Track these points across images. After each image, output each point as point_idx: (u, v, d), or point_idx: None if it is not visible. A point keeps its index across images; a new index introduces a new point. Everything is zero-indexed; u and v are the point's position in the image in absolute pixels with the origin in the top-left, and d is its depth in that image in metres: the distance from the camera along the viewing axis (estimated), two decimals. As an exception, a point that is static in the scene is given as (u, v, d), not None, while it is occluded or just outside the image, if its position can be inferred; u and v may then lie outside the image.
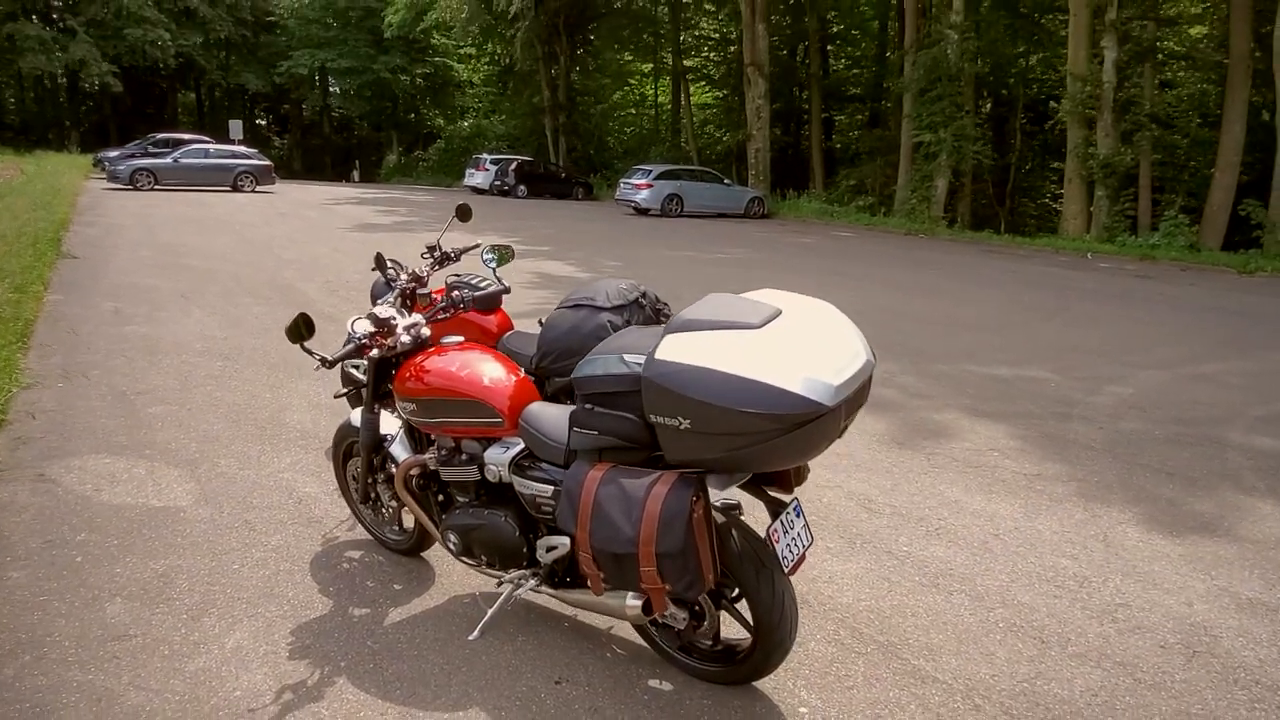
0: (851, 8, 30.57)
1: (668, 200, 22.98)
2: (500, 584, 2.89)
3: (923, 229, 20.60)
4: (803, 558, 2.44)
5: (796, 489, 2.51)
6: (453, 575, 3.31)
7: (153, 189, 23.82)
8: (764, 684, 2.67)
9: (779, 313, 2.14)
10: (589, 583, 2.37)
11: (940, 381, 6.64)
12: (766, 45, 26.21)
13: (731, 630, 2.74)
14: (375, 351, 2.88)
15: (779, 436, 1.96)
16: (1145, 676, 2.82)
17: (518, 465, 2.68)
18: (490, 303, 3.92)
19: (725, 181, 24.86)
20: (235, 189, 25.32)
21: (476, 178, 28.88)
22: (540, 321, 3.53)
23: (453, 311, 3.10)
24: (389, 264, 3.63)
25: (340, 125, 50.37)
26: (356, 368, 3.28)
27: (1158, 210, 19.07)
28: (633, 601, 2.46)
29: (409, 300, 3.46)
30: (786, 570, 2.35)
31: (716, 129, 35.38)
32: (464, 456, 2.80)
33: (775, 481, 2.49)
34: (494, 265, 3.36)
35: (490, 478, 2.74)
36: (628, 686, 2.66)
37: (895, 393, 6.24)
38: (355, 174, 40.59)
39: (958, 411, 5.84)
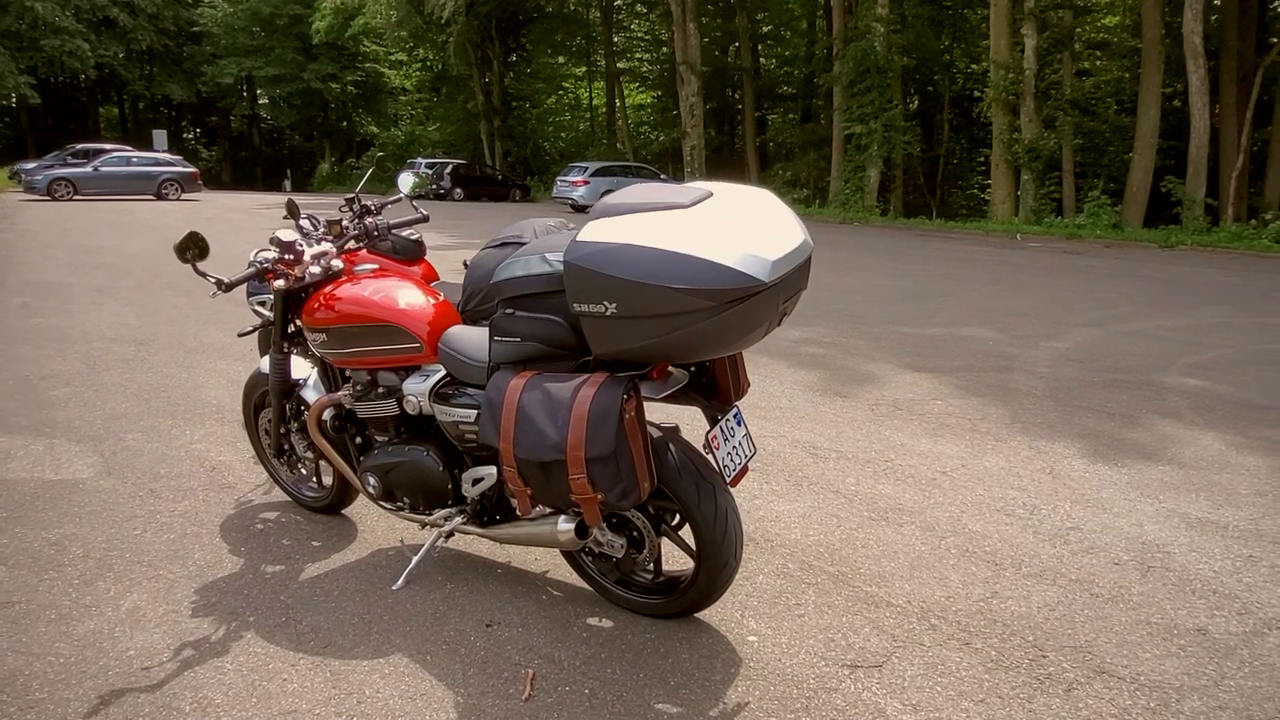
0: (780, 6, 30.86)
1: (604, 195, 22.87)
2: (425, 528, 2.69)
3: (857, 217, 20.82)
4: (745, 469, 2.29)
5: (737, 402, 2.37)
6: (376, 530, 3.09)
7: (72, 199, 22.83)
8: (708, 615, 2.52)
9: (710, 194, 1.99)
10: (516, 504, 2.18)
11: (880, 342, 6.59)
12: (698, 44, 26.27)
13: (673, 564, 2.58)
14: (281, 282, 2.66)
15: (712, 316, 1.81)
16: (1102, 591, 2.73)
17: (438, 394, 2.49)
18: (413, 251, 3.71)
19: (661, 176, 24.84)
20: (160, 197, 24.38)
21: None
22: (464, 264, 3.34)
23: (366, 241, 2.89)
24: (303, 215, 3.40)
25: (270, 135, 49.10)
26: (264, 304, 3.06)
27: (1081, 192, 19.58)
28: (565, 525, 2.28)
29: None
30: (729, 480, 2.20)
31: (652, 129, 35.38)
32: (381, 390, 2.60)
33: (714, 394, 2.34)
34: (409, 193, 3.16)
35: (410, 410, 2.54)
36: (564, 626, 2.47)
37: (835, 351, 6.17)
38: (287, 184, 39.53)
39: (899, 366, 5.79)
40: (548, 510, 2.35)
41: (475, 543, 2.95)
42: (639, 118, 36.26)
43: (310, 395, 2.87)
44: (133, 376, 5.15)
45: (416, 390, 2.51)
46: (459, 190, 27.45)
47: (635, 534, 2.38)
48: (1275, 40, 21.93)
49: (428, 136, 37.32)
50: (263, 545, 2.96)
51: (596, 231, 1.90)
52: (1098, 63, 23.10)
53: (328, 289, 2.66)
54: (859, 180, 22.01)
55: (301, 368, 2.93)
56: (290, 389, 2.91)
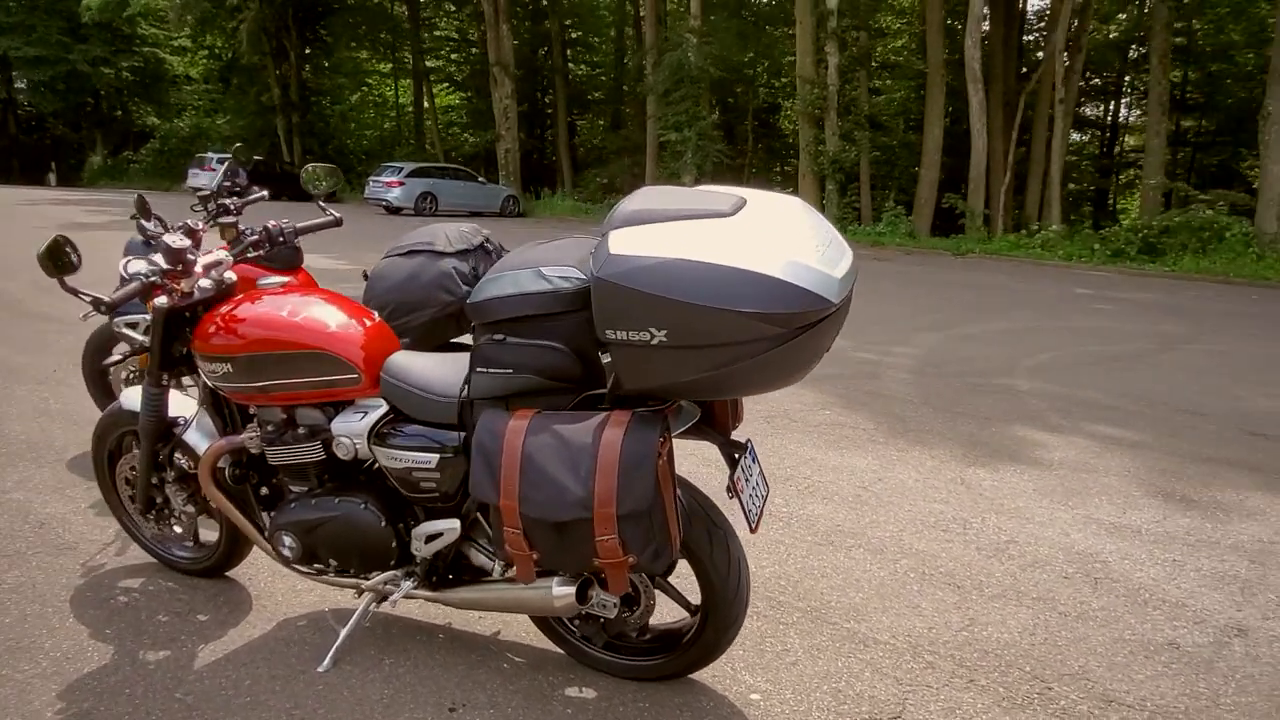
0: (591, 12, 30.97)
1: (421, 198, 21.88)
2: (360, 593, 2.23)
3: (676, 224, 21.16)
4: (761, 512, 2.03)
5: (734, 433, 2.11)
6: (274, 595, 2.56)
7: None
8: (700, 674, 2.24)
9: (744, 200, 1.71)
10: (516, 568, 1.80)
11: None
12: (511, 46, 25.79)
13: (659, 618, 2.28)
14: (164, 299, 2.12)
15: (778, 345, 1.54)
16: (1068, 609, 2.70)
17: (378, 434, 2.06)
18: (292, 259, 3.18)
19: (479, 179, 24.13)
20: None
21: (201, 178, 25.80)
22: (365, 275, 2.88)
23: (267, 247, 2.38)
24: (153, 217, 2.80)
25: (30, 123, 43.17)
26: (134, 327, 2.44)
27: (876, 203, 20.99)
28: (562, 589, 1.93)
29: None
30: (753, 527, 1.93)
31: (462, 130, 34.35)
32: (301, 431, 2.12)
33: (711, 424, 2.06)
34: (319, 190, 2.66)
35: (341, 454, 2.08)
36: (542, 701, 2.11)
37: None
38: (52, 177, 34.86)
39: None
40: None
41: (402, 603, 2.51)
42: (448, 119, 35.10)
43: (195, 438, 2.32)
44: (-110, 411, 4.16)
45: (350, 430, 2.06)
46: (256, 188, 25.26)
47: (631, 590, 2.06)
48: (1026, 70, 24.54)
49: (216, 130, 34.17)
50: (133, 624, 2.37)
51: (631, 243, 1.57)
52: (888, 82, 24.84)
53: (226, 308, 2.14)
54: (675, 187, 22.42)
55: (181, 403, 2.37)
56: (167, 430, 2.35)
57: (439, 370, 2.02)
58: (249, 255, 2.29)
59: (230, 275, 2.22)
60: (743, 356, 1.54)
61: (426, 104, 33.18)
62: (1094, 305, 10.17)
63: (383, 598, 2.26)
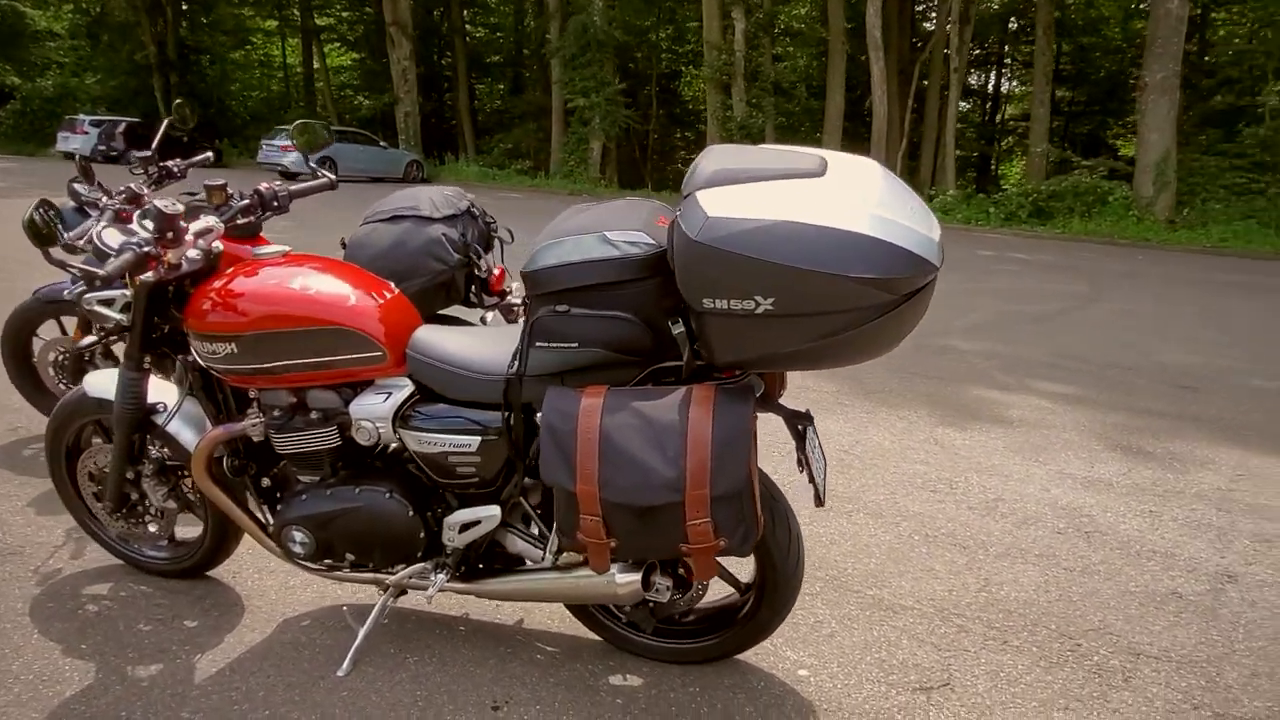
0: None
1: (319, 163, 20.87)
2: (385, 589, 2.05)
3: (584, 189, 20.87)
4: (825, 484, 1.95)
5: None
6: (265, 594, 2.35)
7: None
8: (743, 655, 2.16)
9: (826, 161, 1.60)
10: (590, 558, 1.67)
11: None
12: (408, 5, 24.72)
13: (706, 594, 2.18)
14: (149, 274, 1.87)
15: (885, 313, 1.45)
16: (1071, 564, 2.75)
17: (402, 416, 1.88)
18: (251, 227, 2.91)
19: (380, 144, 23.14)
20: None
21: (73, 142, 23.72)
22: (343, 243, 2.66)
23: (260, 212, 2.13)
24: (93, 180, 2.49)
25: None
26: (109, 304, 2.14)
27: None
28: (626, 577, 1.81)
29: None
30: (823, 501, 1.85)
31: (356, 93, 32.82)
32: (314, 415, 1.92)
33: (766, 395, 1.96)
34: (305, 150, 2.39)
35: (363, 440, 1.89)
36: (590, 693, 1.99)
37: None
38: (-112, 141, 31.65)
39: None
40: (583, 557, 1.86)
41: (412, 596, 2.34)
42: (341, 80, 33.45)
43: (181, 428, 2.08)
44: None
45: (373, 413, 1.87)
46: (135, 152, 23.52)
47: (682, 570, 1.95)
48: (918, 42, 25.22)
49: (85, 90, 31.54)
50: (112, 636, 2.12)
51: (728, 204, 1.44)
52: (790, 49, 25.05)
53: (220, 282, 1.90)
54: (582, 153, 22.09)
55: (161, 388, 2.11)
56: (145, 419, 2.09)
57: (475, 345, 1.85)
58: (238, 222, 2.05)
59: (218, 245, 1.97)
60: (851, 325, 1.45)
61: (317, 64, 31.51)
62: (1001, 267, 10.54)
63: (401, 592, 2.09)
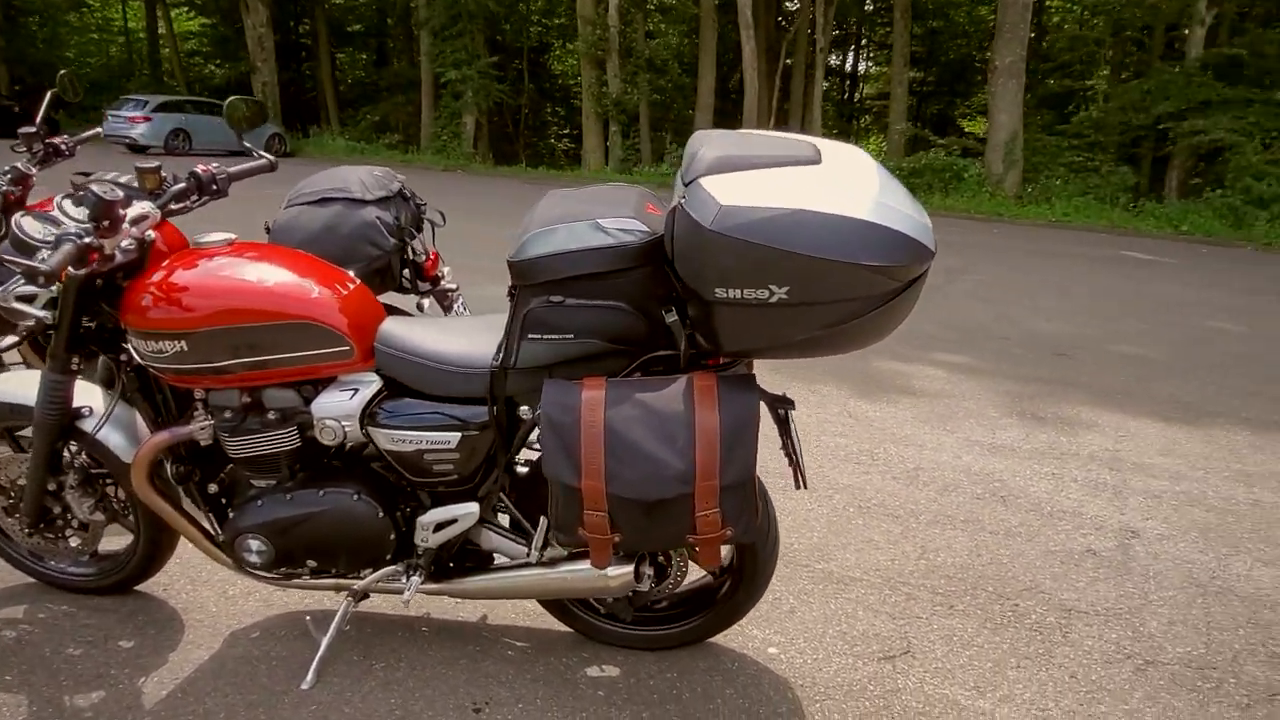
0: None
1: (172, 135, 19.41)
2: (351, 594, 1.95)
3: (457, 165, 20.36)
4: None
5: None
6: (204, 606, 2.19)
7: None
8: (715, 638, 2.18)
9: (819, 148, 1.61)
10: (592, 554, 1.63)
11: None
12: (262, -33, 23.28)
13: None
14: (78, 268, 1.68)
15: (889, 300, 1.47)
16: (996, 528, 2.91)
17: (370, 414, 1.79)
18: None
19: (234, 116, 21.73)
20: None
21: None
22: (268, 228, 2.48)
23: (197, 197, 1.95)
24: None
25: None
26: (29, 300, 1.87)
27: (654, 145, 21.39)
28: (619, 569, 1.79)
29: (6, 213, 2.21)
30: (804, 484, 1.88)
31: (207, 61, 30.64)
32: (271, 415, 1.79)
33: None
34: (240, 128, 2.20)
35: (327, 439, 1.78)
36: (569, 686, 1.97)
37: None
38: None
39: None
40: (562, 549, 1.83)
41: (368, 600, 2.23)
42: (189, 47, 31.10)
43: (113, 434, 1.90)
44: None
45: (339, 411, 1.77)
46: (22, 129, 21.05)
47: (661, 558, 1.95)
48: (783, 21, 25.86)
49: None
50: (39, 663, 1.93)
51: (738, 193, 1.42)
52: (662, 26, 25.14)
53: (160, 274, 1.74)
54: (455, 127, 21.53)
55: (87, 392, 1.92)
56: (70, 425, 1.90)
57: (451, 338, 1.77)
58: (173, 208, 1.87)
59: (151, 234, 1.80)
60: (858, 313, 1.46)
61: (163, 30, 29.18)
62: (876, 242, 10.96)
63: (363, 596, 2.00)
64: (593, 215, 1.60)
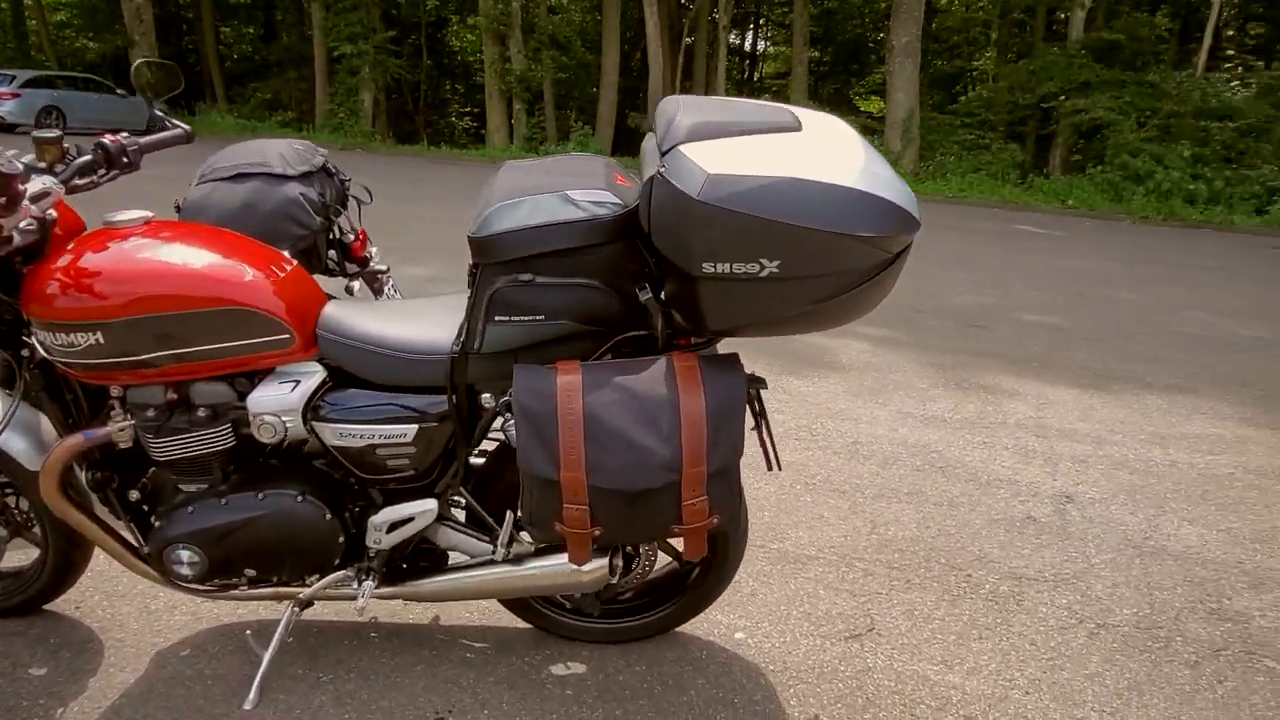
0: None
1: (44, 113, 18.00)
2: (295, 603, 1.79)
3: (357, 143, 19.61)
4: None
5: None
6: (125, 624, 1.99)
7: None
8: (680, 627, 2.11)
9: (797, 114, 1.53)
10: (570, 550, 1.52)
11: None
12: (136, -67, 21.78)
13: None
14: None
15: (878, 273, 1.41)
16: (940, 499, 2.94)
17: (313, 407, 1.64)
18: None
19: (118, 92, 20.28)
20: None
21: None
22: (178, 206, 2.27)
23: (105, 170, 1.73)
24: None
25: None
26: None
27: (559, 123, 21.13)
28: (594, 563, 1.69)
29: None
30: (778, 466, 1.82)
31: (78, 34, 28.53)
32: (201, 413, 1.62)
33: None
34: (152, 94, 1.96)
35: (265, 438, 1.63)
36: (536, 686, 1.87)
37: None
38: None
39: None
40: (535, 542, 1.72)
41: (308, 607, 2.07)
42: (58, 19, 28.88)
43: (14, 439, 1.68)
44: None
45: (280, 406, 1.61)
46: None
47: (629, 549, 1.86)
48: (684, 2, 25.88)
49: None
50: (-67, 706, 1.71)
51: (722, 160, 1.33)
52: (564, 1, 24.76)
53: (66, 258, 1.54)
54: (352, 104, 20.73)
55: (-19, 396, 1.70)
56: (-37, 432, 1.67)
57: (402, 322, 1.64)
58: (78, 184, 1.66)
59: (53, 212, 1.59)
60: (849, 286, 1.40)
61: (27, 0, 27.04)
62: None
63: (306, 605, 1.85)
64: (560, 187, 1.49)
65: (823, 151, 1.40)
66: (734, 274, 1.36)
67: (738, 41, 35.17)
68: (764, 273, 1.35)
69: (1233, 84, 16.51)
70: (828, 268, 1.36)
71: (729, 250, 1.34)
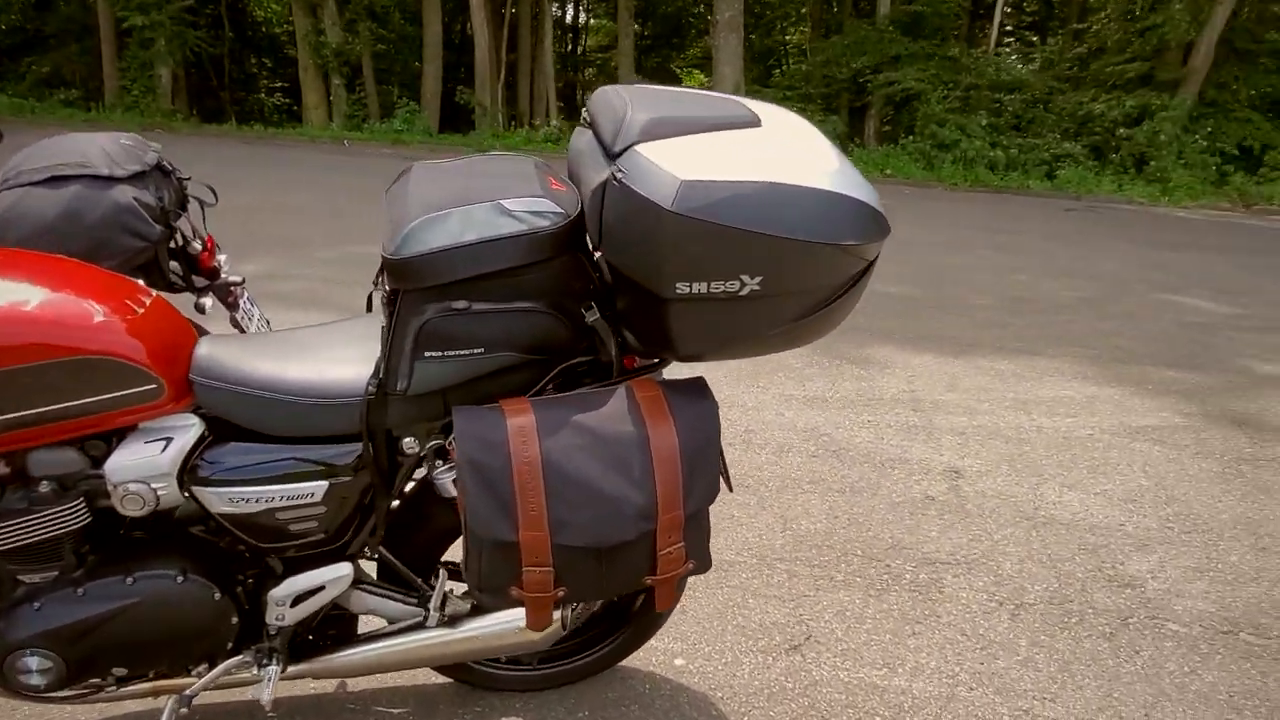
0: None
1: None
2: (173, 701, 1.49)
3: (156, 123, 17.82)
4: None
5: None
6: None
7: None
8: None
9: (751, 107, 1.37)
10: (527, 615, 1.32)
11: (365, 267, 5.84)
12: None
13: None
14: None
15: (853, 285, 1.29)
16: (841, 485, 2.92)
17: (191, 468, 1.35)
18: None
19: None
20: None
21: None
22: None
23: None
24: None
25: None
26: None
27: (382, 99, 20.11)
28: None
29: None
30: (729, 486, 1.68)
31: None
32: (45, 488, 1.30)
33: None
34: None
35: (131, 510, 1.33)
36: (471, 752, 1.67)
37: (329, 284, 5.26)
38: None
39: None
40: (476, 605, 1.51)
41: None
42: None
43: None
44: None
45: (148, 470, 1.31)
46: None
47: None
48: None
49: None
50: None
51: (690, 164, 1.16)
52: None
53: None
54: (148, 81, 18.83)
55: None
56: None
57: (298, 358, 1.37)
58: None
59: None
60: (826, 301, 1.27)
61: None
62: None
63: (191, 699, 1.56)
64: (490, 194, 1.28)
65: (791, 150, 1.27)
66: (711, 293, 1.20)
67: (559, 14, 34.79)
68: (744, 290, 1.20)
69: (1013, 58, 17.90)
70: (811, 281, 1.23)
71: (705, 268, 1.18)
